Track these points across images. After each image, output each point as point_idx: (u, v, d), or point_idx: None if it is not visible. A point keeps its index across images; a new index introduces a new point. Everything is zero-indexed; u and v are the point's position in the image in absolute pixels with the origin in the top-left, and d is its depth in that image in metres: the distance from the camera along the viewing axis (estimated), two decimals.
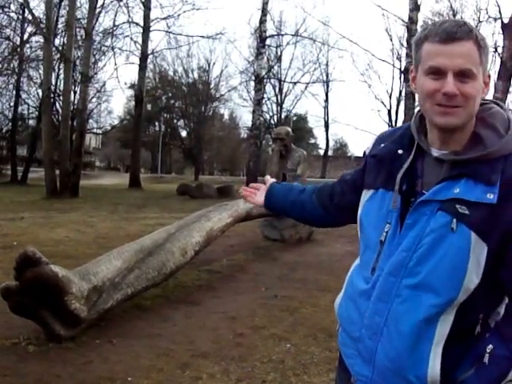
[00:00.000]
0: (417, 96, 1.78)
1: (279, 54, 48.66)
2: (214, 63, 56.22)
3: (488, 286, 1.65)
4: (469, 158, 1.65)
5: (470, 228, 1.59)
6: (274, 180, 2.45)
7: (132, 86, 46.97)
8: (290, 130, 12.14)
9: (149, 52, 33.42)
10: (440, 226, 1.63)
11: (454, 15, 36.99)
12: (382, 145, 1.89)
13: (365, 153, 2.02)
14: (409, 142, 1.81)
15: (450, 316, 1.65)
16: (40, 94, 31.85)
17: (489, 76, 1.71)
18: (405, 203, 1.74)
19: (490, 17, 24.56)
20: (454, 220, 1.61)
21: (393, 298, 1.70)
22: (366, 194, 1.90)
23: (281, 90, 53.58)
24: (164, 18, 32.84)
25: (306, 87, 52.46)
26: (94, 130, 52.22)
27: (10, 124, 38.22)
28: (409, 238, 1.69)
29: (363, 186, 1.93)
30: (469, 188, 1.62)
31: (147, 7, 31.25)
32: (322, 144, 66.68)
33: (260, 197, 2.40)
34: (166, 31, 33.90)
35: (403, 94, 31.51)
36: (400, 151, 1.81)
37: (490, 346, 1.65)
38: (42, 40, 25.91)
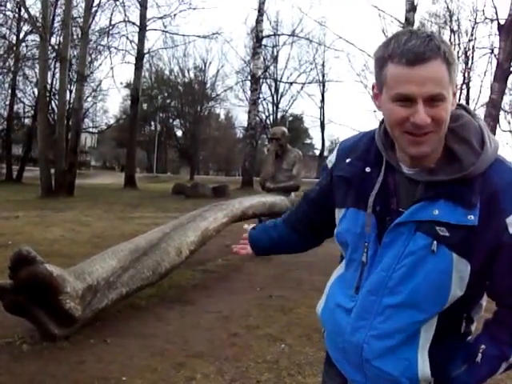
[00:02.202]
0: (383, 117, 1.68)
1: (275, 54, 48.85)
2: (210, 63, 56.35)
3: (471, 294, 1.65)
4: (445, 180, 1.61)
5: (451, 249, 1.58)
6: (249, 227, 2.44)
7: (128, 86, 46.98)
8: (286, 130, 12.10)
9: (145, 51, 33.36)
10: (420, 248, 1.61)
11: (451, 16, 37.03)
12: (347, 160, 1.83)
13: (327, 166, 1.96)
14: (375, 158, 1.76)
15: (432, 323, 1.66)
16: (36, 92, 31.94)
17: (456, 86, 1.63)
18: (380, 222, 1.70)
19: (486, 18, 24.61)
20: (435, 242, 1.58)
21: (374, 316, 1.70)
22: (338, 213, 1.86)
23: (277, 90, 53.60)
24: (160, 18, 32.76)
25: (302, 87, 52.48)
26: (90, 130, 52.11)
27: (6, 123, 38.17)
28: (387, 258, 1.67)
29: (334, 204, 1.88)
30: (448, 210, 1.58)
31: (143, 6, 31.20)
32: (317, 144, 66.87)
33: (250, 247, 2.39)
34: (163, 31, 33.84)
35: None
36: (368, 169, 1.75)
37: (483, 346, 1.67)
38: (38, 39, 25.91)
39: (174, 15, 33.04)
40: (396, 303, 1.66)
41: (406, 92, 1.53)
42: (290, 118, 59.64)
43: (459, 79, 39.95)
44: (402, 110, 1.55)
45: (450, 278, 1.59)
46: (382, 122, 1.77)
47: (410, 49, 1.51)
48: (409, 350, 1.66)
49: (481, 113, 26.53)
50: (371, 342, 1.70)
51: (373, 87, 1.69)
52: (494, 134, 18.68)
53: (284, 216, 2.32)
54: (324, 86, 55.38)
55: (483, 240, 1.56)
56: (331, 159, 1.94)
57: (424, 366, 1.65)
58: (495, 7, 21.19)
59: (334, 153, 1.94)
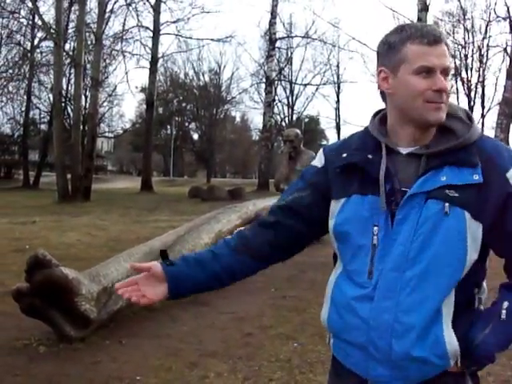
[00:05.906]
0: (393, 96, 1.80)
1: (289, 55, 48.65)
2: (224, 66, 56.20)
3: (481, 262, 1.74)
4: (446, 148, 1.74)
5: (463, 208, 1.67)
6: (156, 263, 1.89)
7: (143, 90, 47.07)
8: (299, 131, 12.16)
9: (159, 55, 33.54)
10: (433, 213, 1.68)
11: (464, 14, 36.95)
12: (344, 154, 1.86)
13: (315, 167, 1.97)
14: (374, 146, 1.84)
15: (451, 298, 1.71)
16: (51, 98, 32.10)
17: None
18: (388, 203, 1.77)
19: (498, 16, 24.53)
20: (447, 204, 1.67)
21: (399, 292, 1.72)
22: (336, 205, 1.85)
23: (292, 91, 53.46)
24: (174, 22, 33.03)
25: (316, 89, 52.18)
26: (106, 134, 52.39)
27: (22, 129, 38.54)
28: (404, 232, 1.71)
29: (331, 198, 1.88)
30: (454, 174, 1.69)
31: (157, 11, 31.35)
32: None
33: (156, 290, 1.85)
34: (176, 35, 34.05)
35: None
36: (370, 156, 1.82)
37: (506, 303, 1.74)
38: (52, 45, 26.17)
39: (188, 19, 33.28)
40: (418, 273, 1.70)
41: (430, 64, 1.73)
42: (306, 120, 59.51)
43: (474, 77, 39.78)
44: (423, 81, 1.74)
45: (465, 238, 1.67)
46: (375, 114, 1.93)
47: (430, 31, 1.76)
48: (435, 326, 1.70)
49: (495, 111, 26.42)
50: (401, 318, 1.71)
51: (379, 72, 1.83)
52: (508, 131, 18.54)
53: (232, 243, 1.99)
54: (339, 87, 55.09)
55: (490, 197, 1.68)
56: (319, 161, 1.96)
57: (451, 340, 1.70)
58: (507, 6, 21.09)
59: (320, 156, 1.97)
